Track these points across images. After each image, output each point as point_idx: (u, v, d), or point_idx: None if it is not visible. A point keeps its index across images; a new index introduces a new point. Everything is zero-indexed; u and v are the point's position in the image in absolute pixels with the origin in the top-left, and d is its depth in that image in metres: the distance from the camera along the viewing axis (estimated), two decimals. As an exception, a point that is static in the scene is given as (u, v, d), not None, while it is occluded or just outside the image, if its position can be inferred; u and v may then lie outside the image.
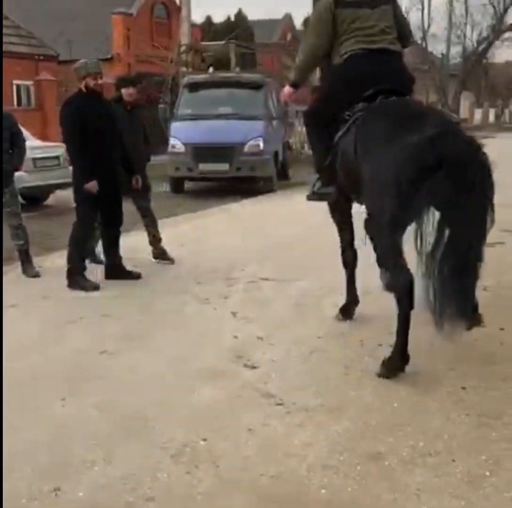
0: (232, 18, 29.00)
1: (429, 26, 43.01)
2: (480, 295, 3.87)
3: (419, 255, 3.70)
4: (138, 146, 6.79)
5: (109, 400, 3.69)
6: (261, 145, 13.03)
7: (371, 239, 4.36)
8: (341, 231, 5.03)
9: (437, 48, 46.86)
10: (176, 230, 9.10)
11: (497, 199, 3.70)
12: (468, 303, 3.66)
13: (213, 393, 3.78)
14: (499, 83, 55.45)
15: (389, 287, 3.92)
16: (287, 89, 5.02)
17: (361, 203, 4.54)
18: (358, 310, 5.07)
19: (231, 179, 13.40)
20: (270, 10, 53.95)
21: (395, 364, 3.92)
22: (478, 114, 52.17)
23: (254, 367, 4.13)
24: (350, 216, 4.97)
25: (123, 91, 6.82)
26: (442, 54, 46.30)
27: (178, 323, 5.05)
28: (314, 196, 4.95)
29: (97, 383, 3.92)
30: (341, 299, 5.48)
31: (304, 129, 21.32)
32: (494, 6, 42.52)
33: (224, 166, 12.88)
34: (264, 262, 6.94)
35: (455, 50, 46.21)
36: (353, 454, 3.10)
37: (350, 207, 4.94)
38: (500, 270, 6.39)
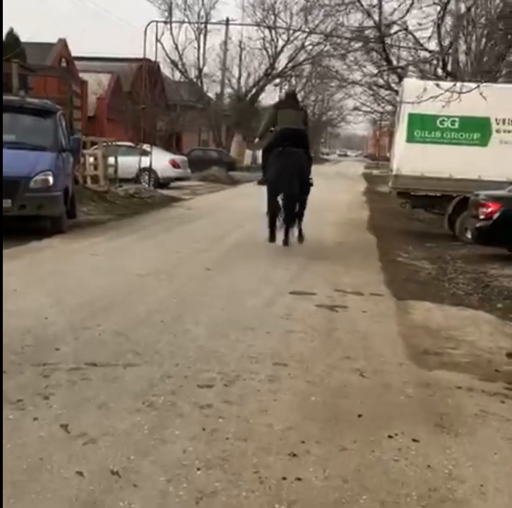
0: (3, 37, 26.55)
1: (203, 65, 43.33)
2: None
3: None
4: None
5: None
6: (51, 180, 11.31)
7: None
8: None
9: (212, 88, 47.08)
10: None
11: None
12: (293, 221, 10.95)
13: None
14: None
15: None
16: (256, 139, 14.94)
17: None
18: (233, 424, 3.93)
19: (11, 218, 11.44)
20: (42, 33, 50.98)
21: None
22: (248, 155, 53.17)
23: (124, 536, 2.77)
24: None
25: None
26: (216, 94, 46.94)
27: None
28: (261, 182, 11.52)
29: None
30: (202, 394, 4.31)
31: (89, 161, 19.60)
32: (267, 51, 44.13)
33: (5, 203, 10.93)
34: (84, 336, 5.47)
35: (230, 91, 47.20)
36: None
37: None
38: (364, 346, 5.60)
